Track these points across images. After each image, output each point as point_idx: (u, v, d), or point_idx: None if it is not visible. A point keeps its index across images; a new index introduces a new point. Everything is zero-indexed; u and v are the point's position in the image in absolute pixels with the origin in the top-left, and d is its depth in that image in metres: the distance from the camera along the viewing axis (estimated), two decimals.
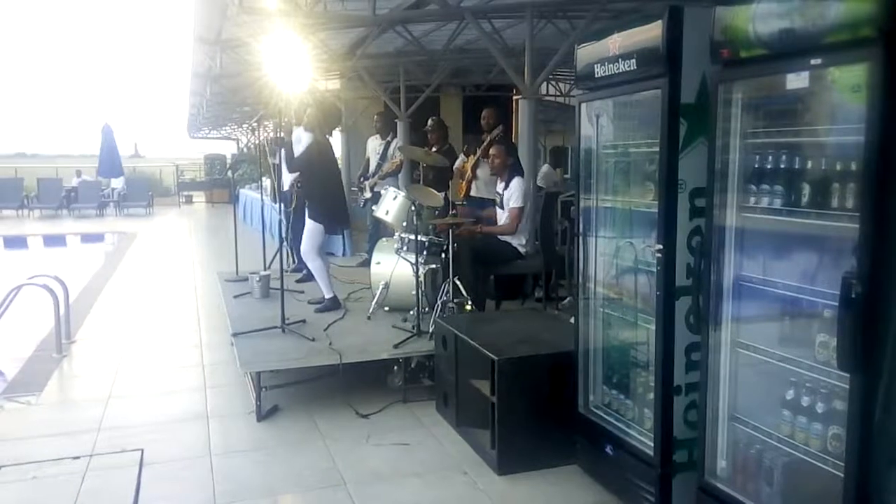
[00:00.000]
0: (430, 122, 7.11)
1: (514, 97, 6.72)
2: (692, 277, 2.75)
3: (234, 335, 4.79)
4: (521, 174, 5.48)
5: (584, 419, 3.39)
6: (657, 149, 2.84)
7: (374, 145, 7.97)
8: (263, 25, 6.43)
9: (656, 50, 2.72)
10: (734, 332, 2.57)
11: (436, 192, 5.64)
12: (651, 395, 3.00)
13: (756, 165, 2.48)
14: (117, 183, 21.38)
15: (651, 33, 2.74)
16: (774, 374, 2.42)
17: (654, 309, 2.91)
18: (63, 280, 6.11)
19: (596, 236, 3.38)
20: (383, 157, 7.74)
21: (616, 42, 2.96)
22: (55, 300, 5.65)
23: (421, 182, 6.26)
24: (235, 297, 6.03)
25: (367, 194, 7.69)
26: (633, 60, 2.85)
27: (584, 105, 3.31)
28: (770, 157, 2.42)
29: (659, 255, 2.79)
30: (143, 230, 15.93)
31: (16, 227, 17.38)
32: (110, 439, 3.96)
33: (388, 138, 7.94)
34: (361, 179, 7.89)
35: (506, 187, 5.33)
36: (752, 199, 2.47)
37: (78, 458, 3.70)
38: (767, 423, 2.44)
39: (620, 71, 2.93)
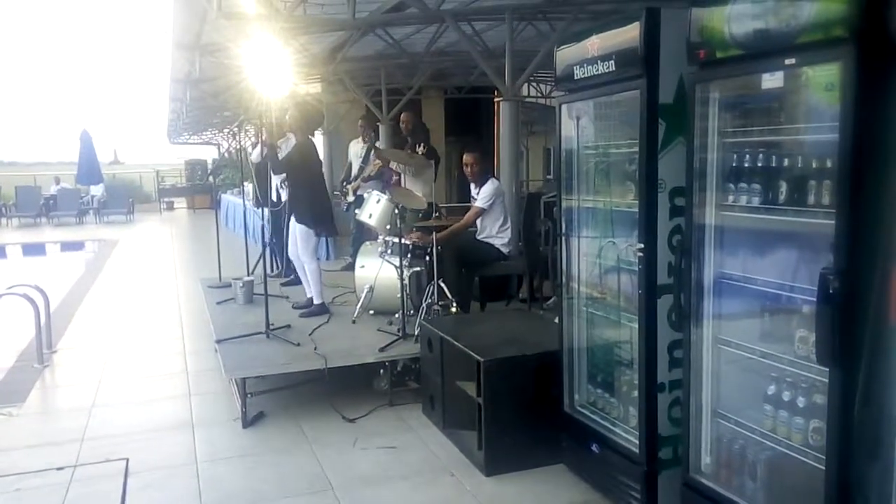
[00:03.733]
0: (402, 115, 7.11)
1: (496, 99, 6.74)
2: (673, 276, 2.78)
3: (218, 342, 4.76)
4: (494, 177, 5.47)
5: (570, 418, 3.42)
6: (637, 149, 2.87)
7: (356, 149, 7.95)
8: (243, 30, 6.40)
9: (634, 51, 2.75)
10: (716, 329, 2.61)
11: (418, 194, 5.65)
12: (635, 393, 3.02)
13: (734, 164, 2.51)
14: (97, 190, 21.19)
15: (629, 35, 2.77)
16: (756, 369, 2.46)
17: (636, 307, 2.94)
18: (43, 289, 6.04)
19: (578, 236, 3.40)
20: (365, 160, 7.72)
21: (595, 44, 2.99)
22: (36, 310, 5.58)
23: (403, 184, 6.25)
24: (219, 303, 6.00)
25: (350, 198, 7.66)
26: (612, 62, 2.88)
27: (564, 106, 3.33)
28: (748, 156, 2.45)
29: (640, 254, 2.82)
30: (124, 237, 15.78)
31: None
32: (94, 449, 3.92)
33: (370, 141, 7.93)
34: (344, 183, 7.87)
35: (478, 191, 5.35)
36: (731, 198, 2.51)
37: (62, 468, 3.66)
38: (750, 418, 2.47)
39: (599, 72, 2.96)
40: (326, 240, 8.35)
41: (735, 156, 2.51)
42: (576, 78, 3.12)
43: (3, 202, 20.07)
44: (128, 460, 3.75)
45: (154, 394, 4.90)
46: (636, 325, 2.95)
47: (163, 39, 9.21)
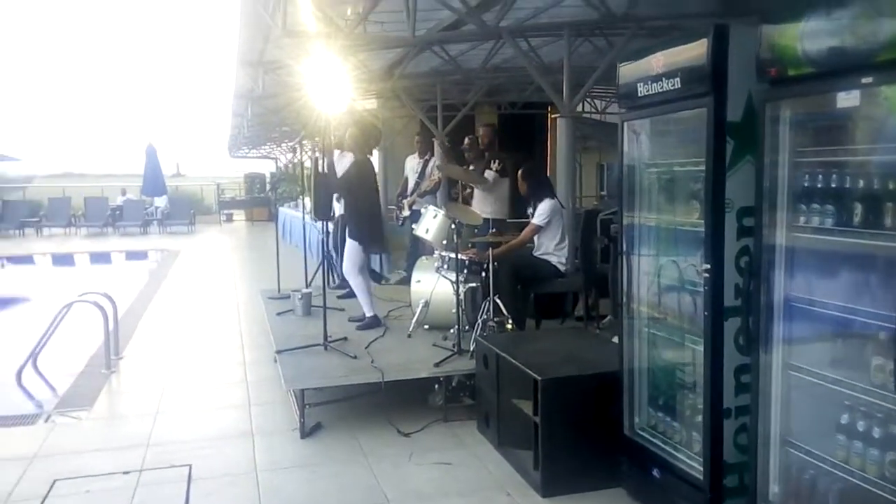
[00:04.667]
0: (466, 140, 7.16)
1: (552, 115, 6.73)
2: (741, 298, 2.72)
3: (278, 352, 4.86)
4: (551, 195, 5.43)
5: (630, 441, 3.35)
6: (702, 167, 2.82)
7: (412, 164, 8.06)
8: (304, 47, 6.57)
9: (702, 68, 2.71)
10: (785, 354, 2.53)
11: (474, 210, 5.67)
12: (699, 418, 2.95)
13: (806, 184, 2.44)
14: (160, 201, 21.96)
15: (696, 51, 2.74)
16: (828, 397, 2.37)
17: (700, 329, 2.88)
18: (112, 297, 6.28)
19: (639, 255, 3.36)
20: (421, 175, 7.82)
21: (659, 60, 2.96)
22: (105, 317, 5.81)
23: (459, 200, 6.29)
24: (278, 314, 6.13)
25: (406, 212, 7.76)
26: (678, 79, 2.84)
27: (626, 123, 3.30)
28: (820, 176, 2.38)
29: (706, 274, 2.76)
30: (186, 248, 16.29)
31: (64, 244, 17.94)
32: (159, 454, 4.04)
33: (426, 157, 8.02)
34: (400, 198, 7.97)
35: (533, 209, 5.33)
36: (802, 219, 2.44)
37: (128, 472, 3.79)
38: (821, 447, 2.38)
39: (664, 89, 2.93)
40: (380, 255, 8.45)
41: (807, 175, 2.44)
42: (639, 95, 3.10)
43: (73, 212, 20.96)
44: (191, 467, 3.85)
45: (215, 402, 5.03)
46: (701, 348, 2.89)
47: (227, 56, 9.53)
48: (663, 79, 2.92)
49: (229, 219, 24.78)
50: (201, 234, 20.35)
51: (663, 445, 3.19)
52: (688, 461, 3.01)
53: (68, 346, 6.33)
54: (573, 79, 6.21)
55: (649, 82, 3.02)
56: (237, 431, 4.41)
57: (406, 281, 7.58)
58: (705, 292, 2.78)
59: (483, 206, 6.42)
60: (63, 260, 15.56)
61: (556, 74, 7.03)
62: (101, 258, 15.94)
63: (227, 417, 4.68)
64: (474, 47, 8.68)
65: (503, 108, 14.32)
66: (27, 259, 15.68)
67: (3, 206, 20.96)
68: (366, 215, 5.55)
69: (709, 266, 2.75)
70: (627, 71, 3.19)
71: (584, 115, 14.65)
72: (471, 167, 6.77)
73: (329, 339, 4.90)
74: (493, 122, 8.66)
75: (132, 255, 16.16)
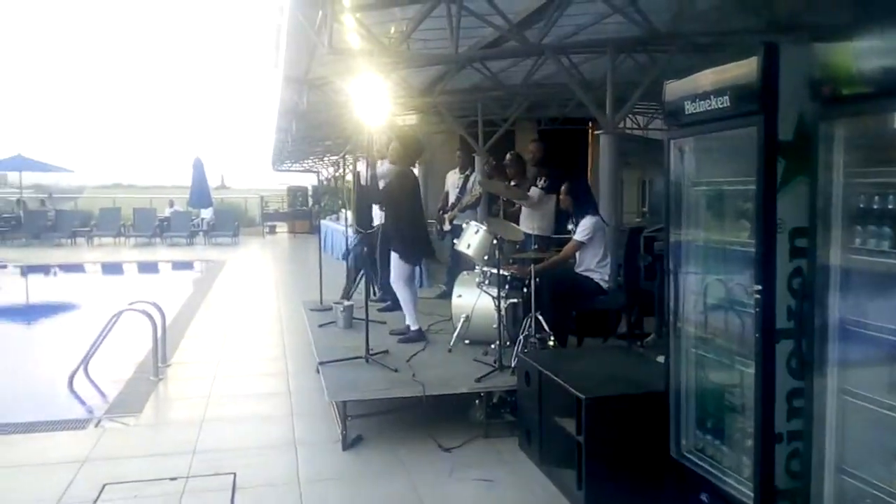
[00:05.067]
0: (508, 156, 7.18)
1: (595, 131, 6.71)
2: (794, 320, 2.66)
3: (321, 364, 4.92)
4: (594, 212, 5.40)
5: (676, 464, 3.30)
6: (752, 186, 2.78)
7: (453, 179, 8.10)
8: (348, 64, 6.68)
9: (751, 86, 2.68)
10: (840, 379, 2.46)
11: (516, 225, 5.68)
12: (749, 442, 2.89)
13: (861, 205, 2.39)
14: (206, 213, 22.46)
15: (745, 69, 2.70)
16: (886, 423, 2.30)
17: (750, 351, 2.82)
18: (160, 306, 6.44)
19: (686, 273, 3.31)
20: (462, 190, 7.85)
21: (708, 78, 2.93)
22: (153, 325, 5.96)
23: (501, 216, 6.30)
24: (320, 325, 6.20)
25: (447, 227, 7.79)
26: (727, 97, 2.81)
27: (672, 142, 3.28)
28: (876, 197, 2.32)
29: (757, 296, 2.71)
30: (231, 258, 16.61)
31: (113, 254, 18.47)
32: (204, 462, 4.12)
33: (467, 172, 8.05)
34: (441, 213, 8.01)
35: (576, 225, 5.31)
36: (858, 240, 2.38)
37: (175, 479, 3.87)
38: (879, 475, 2.31)
39: (713, 108, 2.89)
40: (421, 268, 8.49)
41: (862, 196, 2.38)
42: (687, 113, 3.07)
43: (122, 222, 21.58)
44: (235, 475, 3.91)
45: (260, 411, 5.11)
46: (750, 370, 2.83)
47: (272, 73, 9.73)
48: (712, 97, 2.89)
49: (272, 231, 25.20)
50: (245, 245, 20.73)
51: (711, 469, 3.12)
52: (737, 486, 2.95)
53: (118, 353, 6.51)
54: (616, 95, 6.19)
55: (697, 100, 2.99)
56: (281, 441, 4.47)
57: (446, 295, 7.61)
58: (756, 314, 2.73)
59: (528, 221, 6.44)
60: (112, 269, 16.01)
61: (598, 90, 7.02)
62: (149, 268, 16.39)
63: (271, 427, 4.76)
64: (515, 64, 8.73)
65: (543, 124, 14.31)
66: (78, 267, 16.19)
67: (56, 215, 21.71)
68: (408, 227, 5.59)
69: (760, 287, 2.70)
70: (674, 89, 3.17)
71: (626, 130, 14.56)
72: (512, 183, 6.78)
73: (371, 351, 4.95)
74: (536, 139, 8.74)
75: (179, 266, 16.55)
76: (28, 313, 10.71)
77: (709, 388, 3.24)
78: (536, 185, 6.48)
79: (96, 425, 4.82)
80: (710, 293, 3.19)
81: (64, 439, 4.54)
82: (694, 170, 3.26)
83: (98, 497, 3.62)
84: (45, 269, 15.38)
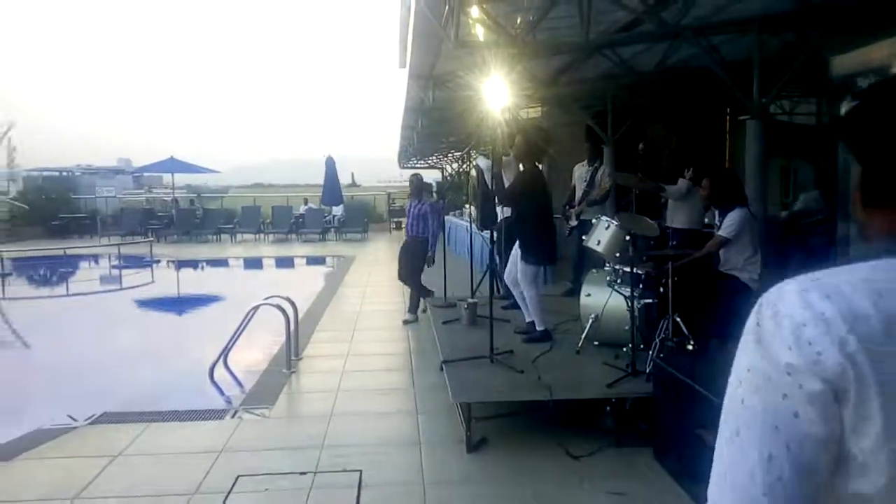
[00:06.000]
0: (641, 146, 6.78)
1: (739, 117, 6.19)
2: None
3: (445, 363, 4.86)
4: (742, 203, 4.92)
5: None
6: None
7: (580, 172, 7.79)
8: (474, 58, 6.57)
9: None
10: None
11: (650, 220, 5.33)
12: None
13: None
14: (338, 210, 23.31)
15: None
16: None
17: None
18: (294, 301, 6.66)
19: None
20: (590, 184, 7.53)
21: (884, 50, 2.54)
22: (287, 320, 6.17)
23: (633, 210, 5.95)
24: (444, 323, 6.16)
25: (573, 222, 7.51)
26: None
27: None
28: None
29: None
30: (360, 254, 17.11)
31: (254, 249, 19.61)
32: (332, 457, 4.17)
33: (596, 164, 7.73)
34: (567, 207, 7.73)
35: (721, 219, 4.88)
36: None
37: (304, 473, 3.94)
38: None
39: None
40: (545, 266, 8.26)
41: None
42: (857, 90, 2.68)
43: (262, 220, 22.87)
44: (361, 472, 3.92)
45: (385, 407, 5.13)
46: None
47: (399, 71, 9.85)
48: (889, 69, 2.50)
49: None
50: (373, 241, 21.32)
51: None
52: None
53: (254, 346, 6.82)
54: (762, 77, 5.66)
55: (870, 74, 2.60)
56: (405, 439, 4.45)
57: (571, 293, 7.34)
58: None
59: (672, 215, 6.09)
60: (252, 263, 17.00)
61: (741, 73, 6.47)
62: (284, 262, 17.26)
63: (396, 424, 4.76)
64: (648, 48, 8.25)
65: (674, 115, 13.54)
66: (223, 262, 17.34)
67: (203, 213, 23.41)
68: (534, 228, 5.38)
69: None
70: (843, 62, 2.79)
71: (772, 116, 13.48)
72: (638, 175, 6.41)
73: (495, 351, 4.82)
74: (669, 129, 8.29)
75: (312, 261, 17.30)
76: (178, 305, 11.58)
77: None
78: (684, 177, 6.10)
79: (233, 416, 5.03)
80: None
81: (204, 429, 4.77)
82: None
83: (232, 488, 3.74)
84: (193, 264, 16.59)
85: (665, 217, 6.56)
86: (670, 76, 9.49)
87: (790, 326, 0.75)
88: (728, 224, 4.71)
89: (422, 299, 8.05)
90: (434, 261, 7.92)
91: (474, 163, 7.22)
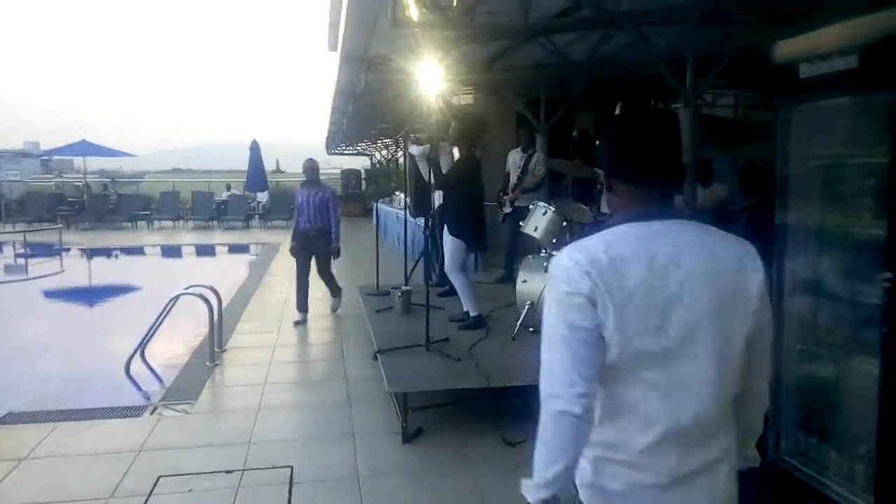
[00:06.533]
0: (575, 133, 6.80)
1: (675, 105, 6.27)
2: None
3: (379, 352, 4.71)
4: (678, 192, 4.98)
5: (775, 468, 2.95)
6: (879, 160, 2.40)
7: (514, 159, 7.76)
8: (408, 41, 6.39)
9: (887, 43, 2.29)
10: None
11: (584, 206, 5.33)
12: (864, 447, 2.54)
13: None
14: (262, 197, 22.63)
15: (881, 23, 2.31)
16: None
17: (868, 346, 2.47)
18: (217, 290, 6.34)
19: (794, 259, 2.94)
20: (524, 170, 7.51)
21: (830, 35, 2.54)
22: (210, 310, 5.85)
23: (569, 196, 5.95)
24: (378, 311, 6.00)
25: (508, 209, 7.47)
26: (854, 56, 2.43)
27: (781, 110, 2.89)
28: None
29: (887, 284, 2.34)
30: (285, 241, 16.53)
31: (172, 237, 18.77)
32: (260, 454, 3.96)
33: (530, 151, 7.70)
34: (501, 195, 7.68)
35: None
36: None
37: (231, 472, 3.72)
38: None
39: (836, 69, 2.51)
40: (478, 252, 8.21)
41: None
42: (801, 77, 2.69)
43: (182, 206, 21.94)
44: (292, 468, 3.74)
45: (316, 400, 4.94)
46: (870, 369, 2.48)
47: (329, 54, 9.56)
48: (835, 56, 2.51)
49: None
50: None
51: (818, 476, 2.77)
52: (848, 495, 2.60)
53: (174, 338, 6.46)
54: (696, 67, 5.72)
55: (815, 61, 2.60)
56: (338, 432, 4.28)
57: (505, 279, 7.32)
58: (886, 305, 2.35)
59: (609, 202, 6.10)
60: (171, 252, 16.26)
61: (672, 63, 6.54)
62: (206, 250, 16.58)
63: (328, 416, 4.57)
64: (581, 37, 8.28)
65: (602, 103, 13.76)
66: (138, 250, 16.49)
67: (118, 199, 22.23)
68: (468, 212, 5.31)
69: (891, 275, 2.32)
70: (785, 49, 2.78)
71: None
72: (575, 161, 6.41)
73: (431, 339, 4.70)
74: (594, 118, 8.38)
75: (235, 248, 16.70)
76: (90, 296, 10.90)
77: (816, 387, 2.88)
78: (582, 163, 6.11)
79: (153, 412, 4.72)
80: (817, 282, 2.82)
81: (120, 427, 4.45)
82: (804, 142, 2.87)
83: (152, 490, 3.48)
84: (107, 253, 15.71)
85: (601, 204, 6.59)
86: (602, 65, 9.58)
87: (563, 270, 1.38)
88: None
89: (333, 298, 7.70)
90: (340, 252, 7.45)
91: (408, 150, 7.06)
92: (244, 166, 22.70)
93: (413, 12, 5.94)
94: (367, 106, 12.76)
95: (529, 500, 1.43)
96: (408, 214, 7.45)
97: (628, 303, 1.33)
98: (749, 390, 1.50)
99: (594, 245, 1.38)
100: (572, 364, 1.33)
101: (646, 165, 1.43)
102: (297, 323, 7.21)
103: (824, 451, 2.80)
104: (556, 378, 1.36)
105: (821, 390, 2.85)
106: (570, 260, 1.37)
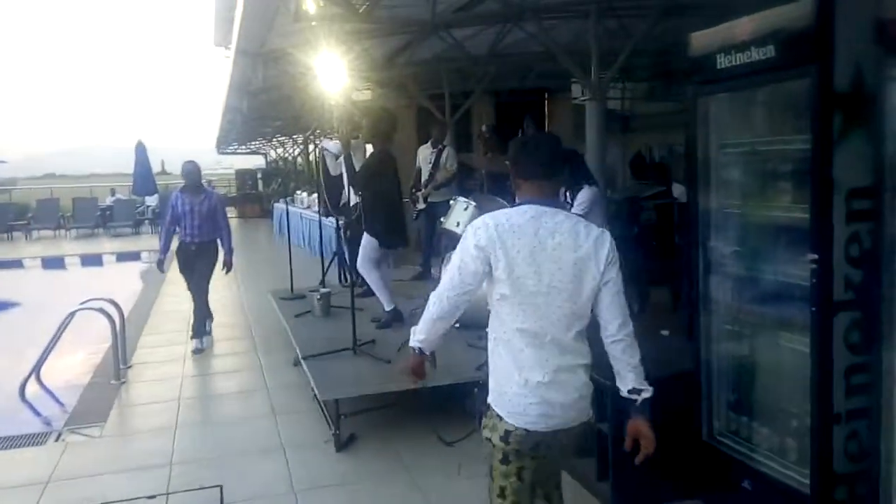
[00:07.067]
0: (484, 128, 6.84)
1: (582, 99, 6.42)
2: (852, 291, 2.43)
3: (304, 358, 4.54)
4: (591, 182, 5.09)
5: (710, 448, 3.07)
6: (796, 145, 2.54)
7: (424, 154, 7.69)
8: (307, 35, 6.20)
9: (803, 32, 2.41)
10: None
11: (503, 201, 5.36)
12: (795, 423, 2.68)
13: None
14: (152, 200, 21.42)
15: (796, 13, 2.43)
16: None
17: (796, 326, 2.61)
18: (118, 303, 5.91)
19: (716, 244, 3.06)
20: (435, 165, 7.47)
21: (746, 26, 2.65)
22: (112, 324, 5.46)
23: (484, 191, 5.98)
24: (296, 316, 5.78)
25: (421, 205, 7.42)
26: (771, 46, 2.54)
27: (700, 100, 3.00)
28: None
29: (813, 265, 2.47)
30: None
31: (54, 247, 17.45)
32: (185, 474, 3.73)
33: (440, 147, 7.67)
34: (414, 191, 7.61)
35: (573, 196, 5.00)
36: None
37: (153, 497, 3.47)
38: None
39: (753, 59, 2.62)
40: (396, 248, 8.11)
41: None
42: (718, 67, 2.79)
43: (62, 214, 20.42)
44: (221, 487, 3.54)
45: (238, 412, 4.72)
46: (796, 346, 2.62)
47: (221, 49, 9.14)
48: (752, 47, 2.62)
49: None
50: None
51: (750, 453, 2.90)
52: (783, 471, 2.73)
53: (71, 356, 5.98)
54: (587, 61, 5.89)
55: (732, 52, 2.71)
56: (266, 445, 4.09)
57: (422, 276, 7.27)
58: (813, 285, 2.48)
59: None
60: (55, 263, 15.09)
61: (574, 57, 6.71)
62: (94, 260, 15.49)
63: (253, 429, 4.37)
64: (481, 31, 8.34)
65: (501, 97, 13.96)
66: (17, 263, 15.19)
67: None
68: (382, 208, 5.23)
69: (816, 256, 2.45)
70: (702, 40, 2.89)
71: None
72: (488, 155, 6.47)
73: (358, 342, 4.59)
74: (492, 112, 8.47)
75: (126, 257, 15.70)
76: None
77: (745, 367, 3.01)
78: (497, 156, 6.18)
79: (57, 439, 4.33)
80: (745, 265, 2.95)
81: (22, 457, 4.06)
82: (724, 130, 2.99)
83: None
84: None
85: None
86: (502, 59, 9.71)
87: (474, 229, 2.09)
88: (580, 202, 4.83)
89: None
90: (232, 265, 6.39)
91: (320, 146, 6.83)
92: (129, 169, 21.40)
93: (310, 6, 5.76)
94: (263, 103, 12.34)
95: (411, 343, 2.32)
96: (314, 214, 7.24)
97: (517, 256, 2.02)
98: (607, 328, 2.13)
99: (501, 215, 2.09)
100: (459, 278, 2.09)
101: (538, 170, 2.13)
102: (197, 351, 6.18)
103: (756, 429, 2.94)
104: (445, 283, 2.14)
105: (749, 370, 2.99)
106: (482, 221, 2.09)
